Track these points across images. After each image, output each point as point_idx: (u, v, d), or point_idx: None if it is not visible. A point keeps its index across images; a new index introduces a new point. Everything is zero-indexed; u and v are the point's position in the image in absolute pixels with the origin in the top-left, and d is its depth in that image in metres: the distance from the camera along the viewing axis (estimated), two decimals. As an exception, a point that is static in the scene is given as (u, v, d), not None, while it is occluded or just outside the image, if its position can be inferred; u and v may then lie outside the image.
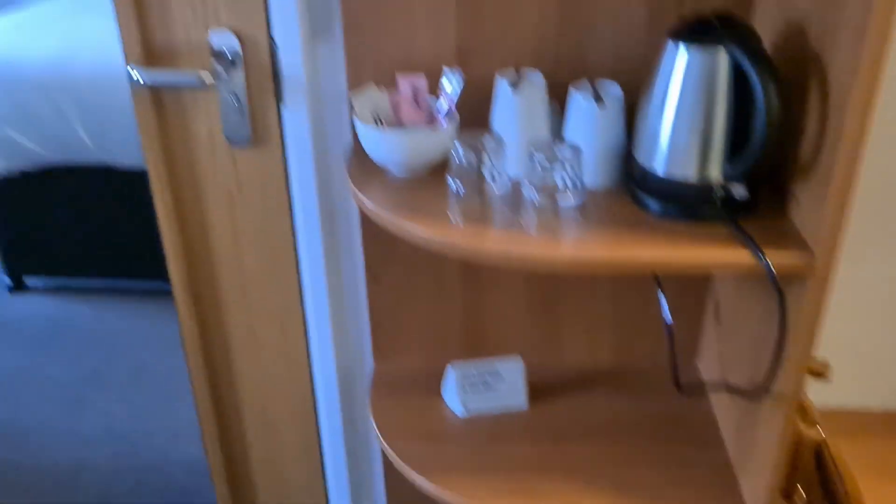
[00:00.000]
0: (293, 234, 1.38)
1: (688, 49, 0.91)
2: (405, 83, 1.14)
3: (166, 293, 1.49)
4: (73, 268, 2.78)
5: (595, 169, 1.05)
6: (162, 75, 1.21)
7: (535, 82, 1.07)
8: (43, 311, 2.75)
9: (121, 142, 2.41)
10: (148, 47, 1.23)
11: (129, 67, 1.20)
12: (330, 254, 1.39)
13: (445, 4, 1.14)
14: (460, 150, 0.98)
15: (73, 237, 2.69)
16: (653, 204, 1.00)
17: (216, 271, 1.42)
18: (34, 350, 2.57)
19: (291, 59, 1.23)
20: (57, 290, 2.84)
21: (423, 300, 1.38)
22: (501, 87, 1.06)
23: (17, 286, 2.82)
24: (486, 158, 0.99)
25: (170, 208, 1.36)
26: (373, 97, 1.14)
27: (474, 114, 1.13)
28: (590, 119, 1.02)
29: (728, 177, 0.94)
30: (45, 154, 2.48)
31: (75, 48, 2.44)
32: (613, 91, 1.05)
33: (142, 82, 1.21)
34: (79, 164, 2.52)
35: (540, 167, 0.96)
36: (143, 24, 1.21)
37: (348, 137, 1.26)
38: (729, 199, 0.95)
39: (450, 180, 1.00)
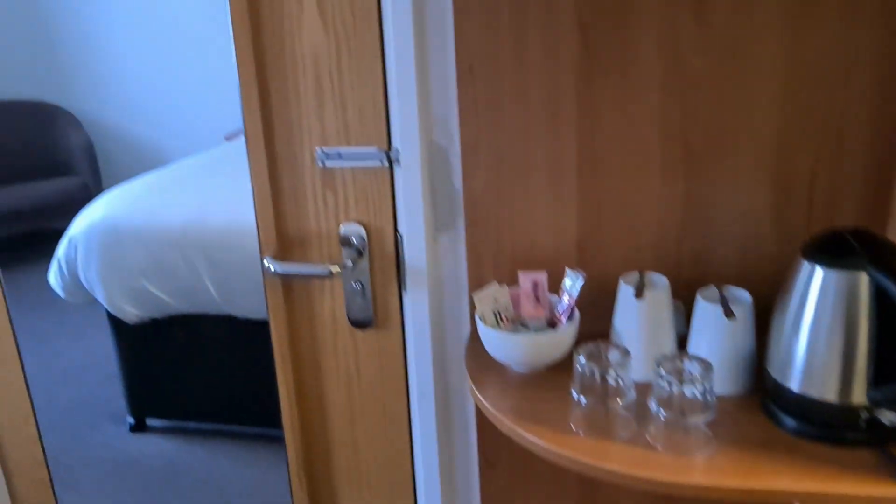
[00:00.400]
0: (408, 415, 1.39)
1: (824, 270, 0.89)
2: (526, 279, 1.16)
3: (279, 439, 1.50)
4: (191, 411, 2.88)
5: (723, 377, 1.01)
6: (293, 267, 1.28)
7: (660, 288, 1.06)
8: (161, 452, 2.84)
9: (244, 295, 2.54)
10: (282, 237, 1.31)
11: (264, 260, 1.27)
12: (443, 436, 1.39)
13: (567, 203, 1.16)
14: (582, 360, 0.97)
15: (193, 381, 2.80)
16: (787, 420, 0.95)
17: (331, 446, 1.43)
18: (151, 490, 2.64)
19: (415, 250, 1.27)
20: (175, 432, 2.94)
21: (537, 489, 1.34)
22: (624, 292, 1.06)
23: (139, 426, 2.94)
24: (609, 368, 0.97)
25: (291, 385, 1.40)
26: (494, 293, 1.16)
27: (596, 311, 1.12)
28: (719, 329, 1.00)
29: (874, 402, 0.88)
30: (175, 304, 2.63)
31: (208, 209, 2.64)
32: (743, 298, 1.03)
33: (275, 271, 1.28)
34: (204, 313, 2.65)
35: (666, 381, 0.93)
36: (279, 216, 1.30)
37: (467, 326, 1.28)
38: (876, 423, 0.89)
39: (573, 391, 0.99)
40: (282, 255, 1.32)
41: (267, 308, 1.36)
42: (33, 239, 4.57)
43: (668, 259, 1.14)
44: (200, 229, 2.55)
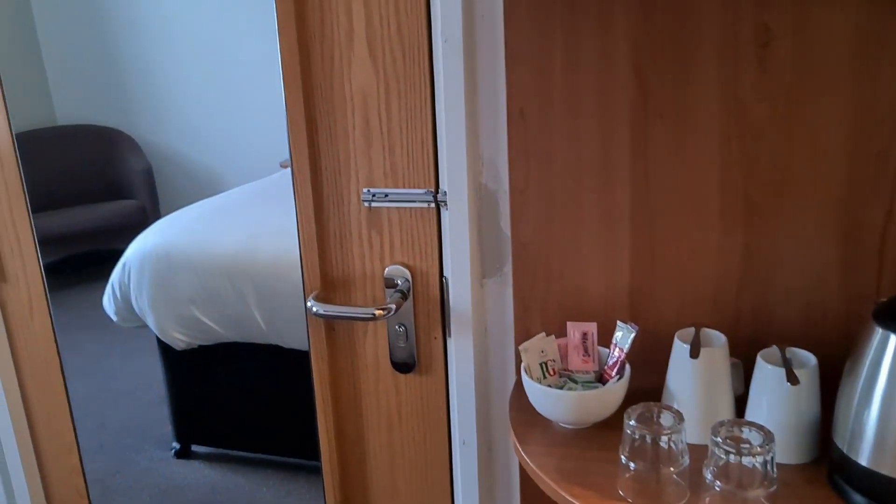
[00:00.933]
0: (450, 462, 1.34)
1: (899, 338, 0.82)
2: (575, 330, 1.11)
3: (320, 471, 1.47)
4: (235, 439, 2.88)
5: (785, 446, 0.94)
6: (337, 309, 1.25)
7: (717, 346, 1.00)
8: (204, 479, 2.84)
9: (290, 325, 2.54)
10: (327, 277, 1.29)
11: (308, 301, 1.26)
12: (485, 488, 1.34)
13: (619, 252, 1.12)
14: (633, 424, 0.92)
15: (238, 410, 2.80)
16: (856, 497, 0.88)
17: (369, 489, 1.40)
18: (192, 518, 2.64)
19: (461, 295, 1.24)
20: (219, 460, 2.94)
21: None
22: (679, 350, 1.01)
23: (184, 452, 2.95)
24: (661, 433, 0.91)
25: (331, 425, 1.37)
26: (540, 343, 1.11)
27: (648, 367, 1.07)
28: (781, 394, 0.93)
29: (954, 483, 0.81)
30: (223, 332, 2.64)
31: (259, 238, 2.65)
32: (807, 361, 0.96)
33: (318, 313, 1.26)
34: (251, 342, 2.66)
35: (723, 450, 0.87)
36: (324, 256, 1.28)
37: (512, 375, 1.24)
38: (955, 506, 0.82)
39: (621, 455, 0.93)
40: (326, 295, 1.30)
41: (309, 348, 1.34)
42: (92, 259, 4.68)
43: (726, 315, 1.08)
44: (250, 259, 2.57)
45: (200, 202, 3.22)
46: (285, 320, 2.56)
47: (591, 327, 1.11)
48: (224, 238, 2.70)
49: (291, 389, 2.69)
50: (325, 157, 1.23)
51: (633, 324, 1.05)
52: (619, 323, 1.07)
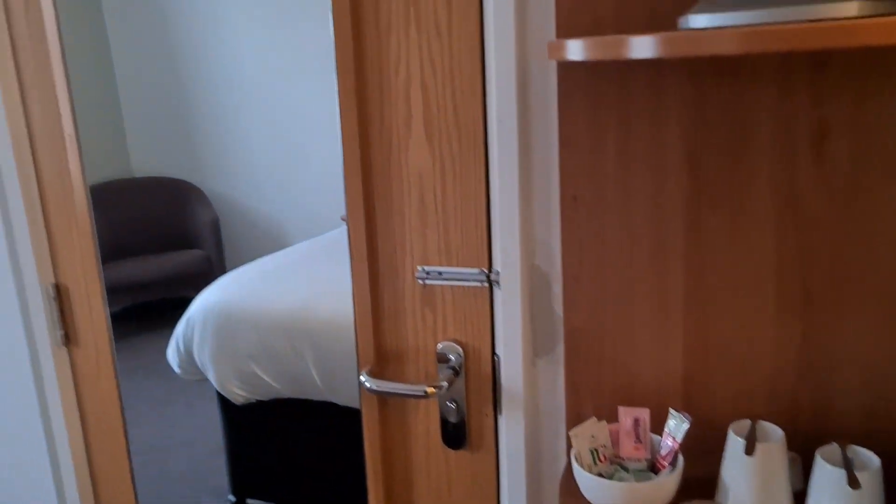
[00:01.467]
0: (499, 543, 1.33)
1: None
2: (627, 415, 1.10)
3: None
4: (290, 494, 2.90)
5: (847, 551, 0.91)
6: (389, 386, 1.27)
7: (774, 441, 0.97)
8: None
9: (346, 383, 2.57)
10: (380, 351, 1.31)
11: (362, 375, 1.28)
12: (535, 568, 1.32)
13: (672, 339, 1.11)
14: (686, 521, 0.90)
15: (293, 465, 2.83)
16: None
17: (418, 566, 1.39)
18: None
19: (512, 374, 1.24)
20: (272, 514, 2.97)
21: None
22: (734, 444, 0.98)
23: (239, 506, 2.99)
24: (715, 532, 0.89)
25: (381, 496, 1.37)
26: (591, 429, 1.10)
27: (702, 458, 1.05)
28: (841, 498, 0.90)
29: None
30: (280, 389, 2.69)
31: (317, 297, 2.71)
32: (869, 462, 0.93)
33: (371, 388, 1.27)
34: (307, 398, 2.70)
35: (780, 555, 0.85)
36: (378, 331, 1.30)
37: (563, 458, 1.22)
38: None
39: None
40: (379, 369, 1.31)
41: (361, 421, 1.35)
42: (159, 307, 4.84)
43: (784, 408, 1.05)
44: (308, 318, 2.62)
45: (262, 259, 3.32)
46: (341, 379, 2.59)
47: (644, 413, 1.09)
48: (284, 296, 2.77)
49: (345, 447, 2.71)
50: (381, 235, 1.26)
51: (686, 414, 1.03)
52: (672, 411, 1.05)
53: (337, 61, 1.21)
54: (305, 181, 4.89)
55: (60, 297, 1.50)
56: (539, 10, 1.09)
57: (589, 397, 1.17)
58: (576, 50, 0.83)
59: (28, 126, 1.40)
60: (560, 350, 1.20)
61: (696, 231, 1.06)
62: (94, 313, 1.52)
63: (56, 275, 1.49)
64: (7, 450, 1.58)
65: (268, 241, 5.10)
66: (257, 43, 4.78)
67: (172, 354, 2.91)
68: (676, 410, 1.05)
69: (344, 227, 4.11)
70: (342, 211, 4.62)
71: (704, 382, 1.09)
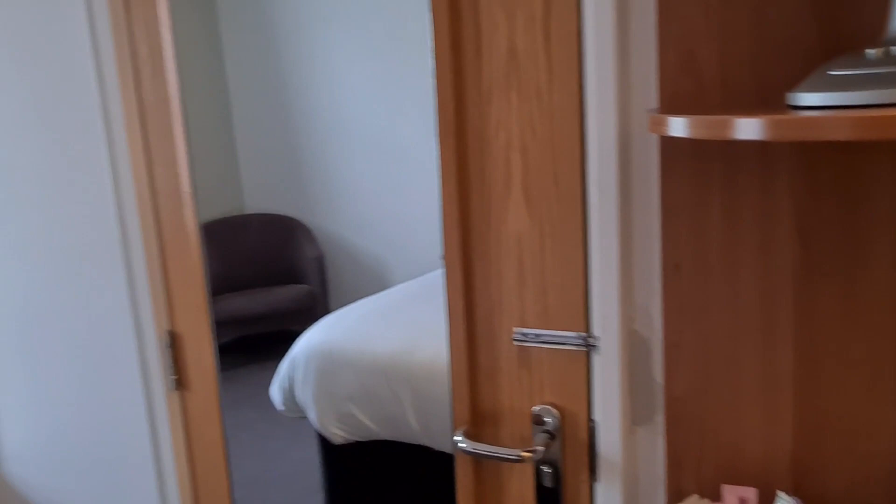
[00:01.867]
0: None
1: None
2: (731, 494, 1.05)
3: None
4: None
5: None
6: (484, 448, 1.26)
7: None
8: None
9: (443, 429, 2.57)
10: (475, 412, 1.31)
11: (456, 435, 1.28)
12: None
13: (781, 416, 1.05)
14: None
15: (387, 506, 2.85)
16: None
17: None
18: None
19: (610, 440, 1.21)
20: (366, 556, 2.99)
21: None
22: (849, 537, 0.92)
23: (336, 545, 3.03)
24: None
25: (474, 559, 1.36)
26: (693, 506, 1.06)
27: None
28: None
29: None
30: (378, 431, 2.72)
31: (417, 340, 2.74)
32: None
33: (466, 450, 1.27)
34: (404, 441, 2.72)
35: None
36: (474, 392, 1.30)
37: (662, 532, 1.18)
38: None
39: None
40: (474, 430, 1.31)
41: (455, 483, 1.35)
42: (265, 339, 5.01)
43: (906, 497, 0.98)
44: (407, 361, 2.65)
45: (364, 300, 3.39)
46: (438, 424, 2.60)
47: (750, 493, 1.04)
48: (384, 338, 2.81)
49: (441, 492, 2.71)
50: (478, 296, 1.27)
51: (796, 498, 0.98)
52: (780, 494, 1.00)
53: (438, 124, 1.24)
54: (407, 220, 4.98)
55: (174, 343, 1.58)
56: (641, 74, 1.08)
57: (691, 471, 1.13)
58: (678, 127, 0.82)
59: (151, 184, 1.50)
60: (660, 419, 1.16)
61: (807, 303, 1.01)
62: (203, 360, 1.60)
63: (171, 322, 1.57)
64: (119, 487, 1.67)
65: (370, 278, 5.21)
66: (365, 86, 4.94)
67: (276, 392, 3.00)
68: (787, 494, 0.99)
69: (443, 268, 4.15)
70: (441, 249, 4.66)
71: (816, 464, 1.03)
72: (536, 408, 1.26)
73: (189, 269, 1.54)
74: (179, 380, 1.59)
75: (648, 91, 1.08)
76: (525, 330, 1.24)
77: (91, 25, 1.47)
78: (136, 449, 1.62)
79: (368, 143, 5.02)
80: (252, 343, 5.05)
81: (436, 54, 1.21)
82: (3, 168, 1.62)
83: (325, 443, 2.89)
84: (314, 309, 4.95)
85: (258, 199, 5.57)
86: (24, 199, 1.62)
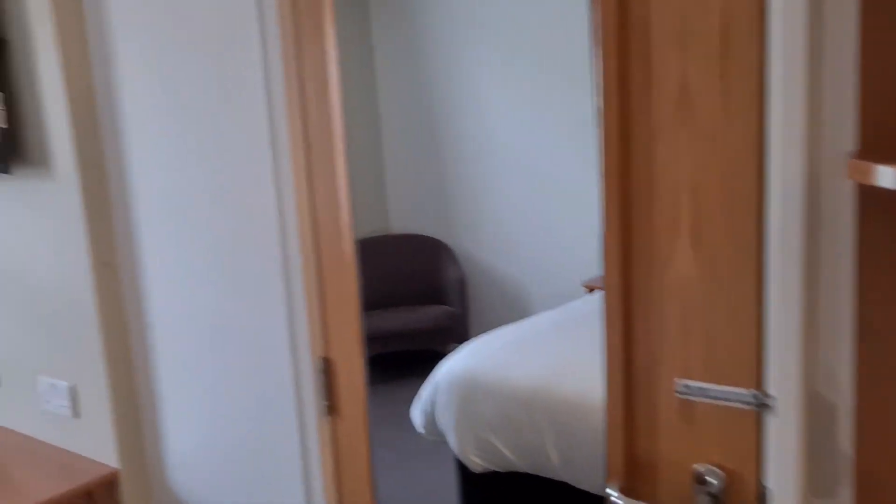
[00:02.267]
0: None
1: None
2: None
3: None
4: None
5: None
6: (641, 507, 1.19)
7: None
8: None
9: (584, 467, 2.48)
10: (630, 465, 1.24)
11: (609, 489, 1.21)
12: None
13: None
14: None
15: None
16: None
17: None
18: None
19: (783, 511, 1.10)
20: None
21: None
22: None
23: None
24: None
25: None
26: None
27: None
28: None
29: None
30: (515, 461, 2.67)
31: (559, 373, 2.67)
32: None
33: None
34: (542, 475, 2.65)
35: None
36: (630, 444, 1.23)
37: None
38: None
39: None
40: (628, 484, 1.24)
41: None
42: (408, 357, 5.08)
43: None
44: (550, 393, 2.59)
45: (507, 327, 3.35)
46: (581, 460, 2.51)
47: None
48: (526, 368, 2.76)
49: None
50: (639, 344, 1.20)
51: None
52: None
53: (604, 163, 1.19)
54: (551, 248, 4.90)
55: (327, 369, 1.61)
56: (834, 110, 0.98)
57: (882, 555, 1.00)
58: (889, 178, 0.72)
59: (312, 214, 1.54)
60: (847, 494, 1.05)
61: None
62: (354, 386, 1.62)
63: (325, 349, 1.60)
64: (271, 505, 1.72)
65: (510, 302, 5.17)
66: (515, 112, 4.93)
67: (418, 415, 3.02)
68: None
69: (586, 298, 4.05)
70: (583, 276, 4.55)
71: None
72: (699, 467, 1.17)
73: (345, 298, 1.57)
74: (331, 405, 1.62)
75: (842, 130, 0.98)
76: (689, 382, 1.16)
77: (265, 67, 1.52)
78: (288, 470, 1.66)
79: (515, 168, 5.00)
80: (392, 360, 5.13)
81: (604, 94, 1.16)
82: (180, 193, 1.73)
83: (463, 469, 2.87)
84: (454, 329, 4.98)
85: (404, 221, 5.69)
86: (199, 225, 1.71)
